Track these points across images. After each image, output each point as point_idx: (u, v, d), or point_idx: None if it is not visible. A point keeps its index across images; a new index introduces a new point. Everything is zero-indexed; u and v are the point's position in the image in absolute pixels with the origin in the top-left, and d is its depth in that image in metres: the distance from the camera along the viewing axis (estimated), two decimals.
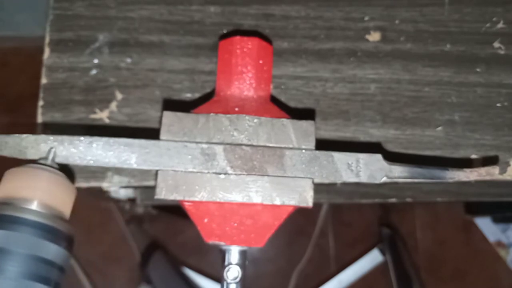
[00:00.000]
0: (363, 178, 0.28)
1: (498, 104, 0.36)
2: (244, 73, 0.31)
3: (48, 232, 0.23)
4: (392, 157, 0.33)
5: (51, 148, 0.26)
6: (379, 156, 0.28)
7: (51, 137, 0.26)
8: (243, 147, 0.28)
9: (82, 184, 0.34)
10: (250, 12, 0.37)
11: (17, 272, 0.21)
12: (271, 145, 0.28)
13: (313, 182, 0.28)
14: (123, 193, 0.48)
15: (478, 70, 0.36)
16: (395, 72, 0.36)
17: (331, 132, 0.35)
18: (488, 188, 0.62)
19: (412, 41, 0.37)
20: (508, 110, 0.36)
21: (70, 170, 0.27)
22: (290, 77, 0.36)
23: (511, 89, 0.36)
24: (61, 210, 0.25)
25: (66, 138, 0.26)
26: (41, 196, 0.24)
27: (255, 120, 0.28)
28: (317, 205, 1.00)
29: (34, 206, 0.24)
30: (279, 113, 0.30)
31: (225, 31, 0.37)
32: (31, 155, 0.26)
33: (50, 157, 0.26)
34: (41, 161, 0.26)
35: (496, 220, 1.04)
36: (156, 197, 0.27)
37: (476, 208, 1.03)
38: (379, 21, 0.37)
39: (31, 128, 0.35)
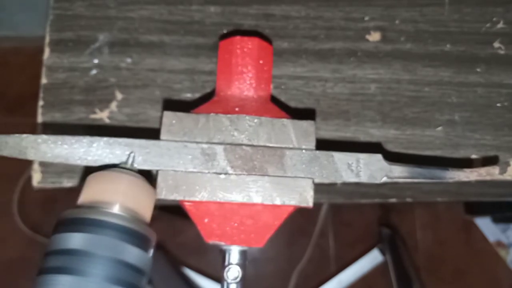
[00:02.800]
0: (363, 178, 0.28)
1: (498, 104, 0.36)
2: (244, 73, 0.31)
3: (131, 235, 0.23)
4: (392, 157, 0.33)
5: (131, 152, 0.26)
6: (379, 156, 0.28)
7: (52, 137, 0.26)
8: (244, 147, 0.28)
9: (82, 184, 0.33)
10: (250, 12, 0.37)
11: (101, 276, 0.21)
12: (271, 145, 0.28)
13: (313, 182, 0.28)
14: None
15: (478, 70, 0.36)
16: (395, 72, 0.36)
17: (331, 132, 0.35)
18: (488, 188, 0.61)
19: (412, 41, 0.37)
20: (508, 110, 0.36)
21: (149, 173, 0.27)
22: (290, 77, 0.36)
23: (511, 89, 0.36)
24: (143, 214, 0.25)
25: (66, 138, 0.26)
26: (123, 199, 0.24)
27: (256, 120, 0.28)
28: (317, 205, 1.00)
29: (116, 209, 0.24)
30: (280, 113, 0.30)
31: (225, 31, 0.37)
32: (31, 155, 0.26)
33: (130, 161, 0.26)
34: (122, 165, 0.26)
35: (496, 220, 1.04)
36: (156, 197, 0.27)
37: (476, 208, 1.03)
38: (379, 21, 0.37)
39: (31, 128, 0.35)
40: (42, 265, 0.22)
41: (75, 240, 0.22)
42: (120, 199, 0.24)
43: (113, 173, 0.25)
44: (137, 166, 0.27)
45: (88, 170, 0.30)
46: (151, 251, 0.24)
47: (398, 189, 0.60)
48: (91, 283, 0.21)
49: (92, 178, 0.25)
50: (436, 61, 0.37)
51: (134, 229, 0.23)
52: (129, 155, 0.26)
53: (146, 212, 0.25)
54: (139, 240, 0.23)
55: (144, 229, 0.24)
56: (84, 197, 0.25)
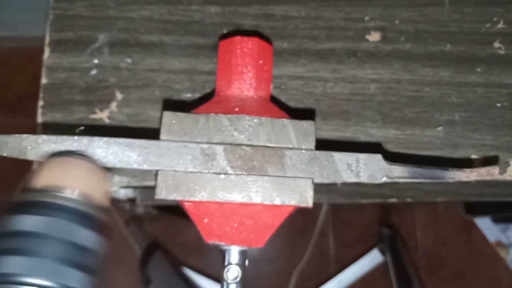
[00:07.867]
0: (363, 178, 0.28)
1: (498, 104, 0.36)
2: (244, 73, 0.31)
3: (85, 218, 0.24)
4: (392, 157, 0.33)
5: (89, 140, 0.27)
6: (379, 156, 0.28)
7: (52, 137, 0.26)
8: (243, 147, 0.28)
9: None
10: (250, 12, 0.37)
11: (54, 257, 0.22)
12: (271, 145, 0.28)
13: (313, 182, 0.28)
14: (123, 193, 0.48)
15: (478, 70, 0.36)
16: (395, 72, 0.36)
17: (331, 132, 0.35)
18: (488, 188, 0.61)
19: (412, 41, 0.37)
20: (508, 110, 0.36)
21: None
22: (290, 77, 0.36)
23: (511, 89, 0.36)
24: (97, 198, 0.26)
25: (66, 138, 0.26)
26: (77, 184, 0.25)
27: (255, 120, 0.28)
28: (317, 205, 1.00)
29: (71, 193, 0.24)
30: (279, 113, 0.30)
31: (225, 31, 0.37)
32: (31, 155, 0.26)
33: (87, 147, 0.27)
34: (78, 152, 0.27)
35: (496, 220, 1.04)
36: (156, 197, 0.27)
37: (476, 208, 1.03)
38: (379, 21, 0.37)
39: (31, 128, 0.35)
40: None
41: (28, 222, 0.22)
42: (74, 183, 0.25)
43: (69, 158, 0.26)
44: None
45: None
46: (106, 234, 0.25)
47: (398, 189, 0.60)
48: (44, 264, 0.21)
49: (48, 163, 0.26)
50: (436, 61, 0.37)
51: (87, 212, 0.24)
52: (86, 142, 0.27)
53: (101, 196, 0.26)
54: (93, 223, 0.24)
55: (98, 213, 0.25)
56: (39, 181, 0.25)
